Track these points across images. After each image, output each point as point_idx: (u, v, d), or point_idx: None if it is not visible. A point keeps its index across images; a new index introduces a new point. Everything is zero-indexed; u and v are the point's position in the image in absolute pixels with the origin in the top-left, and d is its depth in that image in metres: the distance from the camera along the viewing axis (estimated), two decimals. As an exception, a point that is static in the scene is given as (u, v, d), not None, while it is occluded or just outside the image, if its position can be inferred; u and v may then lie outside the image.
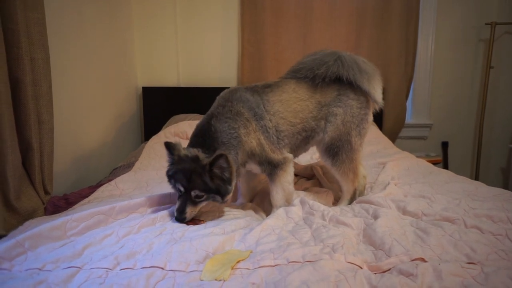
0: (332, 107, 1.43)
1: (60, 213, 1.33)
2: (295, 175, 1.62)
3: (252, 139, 1.30)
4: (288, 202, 1.37)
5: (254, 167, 1.36)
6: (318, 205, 1.30)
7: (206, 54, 3.05)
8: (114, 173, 2.06)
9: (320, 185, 1.71)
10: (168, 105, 2.97)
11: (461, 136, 3.25)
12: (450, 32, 3.08)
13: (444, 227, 1.10)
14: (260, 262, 0.92)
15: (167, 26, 2.99)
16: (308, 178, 1.82)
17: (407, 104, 3.07)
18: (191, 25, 3.00)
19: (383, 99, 1.49)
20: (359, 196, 1.53)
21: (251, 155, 1.31)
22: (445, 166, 3.21)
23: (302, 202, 1.34)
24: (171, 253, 0.96)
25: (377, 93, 1.46)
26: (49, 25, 1.54)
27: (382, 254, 0.95)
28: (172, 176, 1.22)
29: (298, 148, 1.45)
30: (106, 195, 1.54)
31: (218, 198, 1.21)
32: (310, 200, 1.36)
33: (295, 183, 1.57)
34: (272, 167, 1.34)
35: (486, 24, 3.00)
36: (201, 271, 0.89)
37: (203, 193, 1.19)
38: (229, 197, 1.24)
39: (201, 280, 0.86)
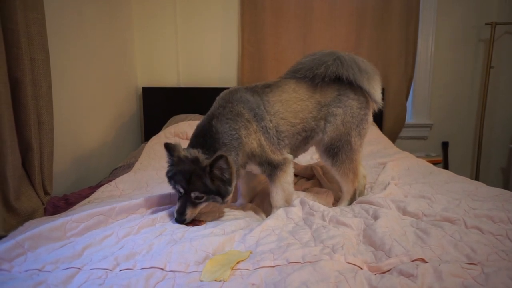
0: (332, 107, 1.43)
1: (60, 214, 1.33)
2: (295, 175, 1.62)
3: (253, 140, 1.30)
4: (288, 203, 1.37)
5: (254, 168, 1.36)
6: (318, 205, 1.30)
7: (206, 54, 3.05)
8: (114, 173, 2.05)
9: (320, 185, 1.71)
10: (168, 105, 2.97)
11: (461, 136, 3.25)
12: (450, 32, 3.08)
13: (445, 227, 1.10)
14: (260, 262, 0.92)
15: (167, 26, 2.99)
16: (308, 179, 1.82)
17: (407, 104, 3.07)
18: (191, 25, 3.00)
19: (383, 99, 1.50)
20: (359, 196, 1.53)
21: (252, 156, 1.31)
22: (445, 166, 3.21)
23: (302, 203, 1.34)
24: (171, 253, 0.95)
25: (377, 93, 1.46)
26: (49, 25, 1.54)
27: (382, 254, 0.95)
28: (172, 178, 1.22)
29: (297, 149, 1.45)
30: (106, 196, 1.54)
31: (218, 199, 1.21)
32: (310, 200, 1.35)
33: (295, 184, 1.57)
34: (272, 168, 1.34)
35: (486, 24, 2.99)
36: (201, 271, 0.89)
37: (203, 195, 1.19)
38: (229, 198, 1.23)
39: (201, 280, 0.86)
